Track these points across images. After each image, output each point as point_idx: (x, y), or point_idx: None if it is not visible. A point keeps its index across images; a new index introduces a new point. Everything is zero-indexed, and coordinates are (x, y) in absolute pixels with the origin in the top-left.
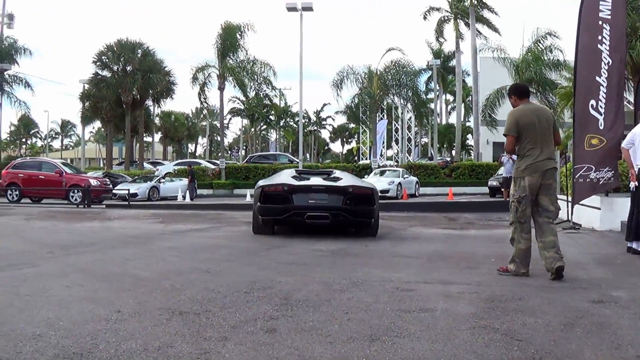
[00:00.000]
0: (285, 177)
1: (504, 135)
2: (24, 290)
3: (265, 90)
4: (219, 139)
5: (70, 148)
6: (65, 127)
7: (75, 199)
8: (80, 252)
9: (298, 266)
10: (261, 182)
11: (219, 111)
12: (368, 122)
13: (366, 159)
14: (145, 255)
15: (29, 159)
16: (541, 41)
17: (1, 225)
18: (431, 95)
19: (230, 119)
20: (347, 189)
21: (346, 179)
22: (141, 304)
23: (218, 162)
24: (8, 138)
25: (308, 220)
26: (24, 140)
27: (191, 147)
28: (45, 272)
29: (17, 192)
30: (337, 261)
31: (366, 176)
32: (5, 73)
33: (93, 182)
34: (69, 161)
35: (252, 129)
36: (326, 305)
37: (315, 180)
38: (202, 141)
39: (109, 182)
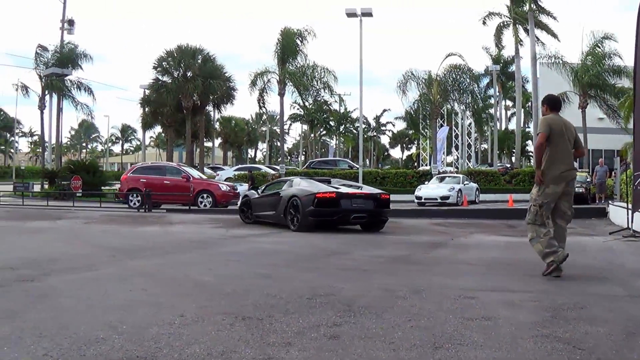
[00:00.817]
0: (319, 185)
1: (537, 134)
2: (86, 293)
3: (324, 96)
4: (278, 144)
5: (130, 152)
6: (126, 131)
7: (205, 205)
8: (142, 257)
9: (359, 272)
10: (251, 192)
11: (278, 116)
12: (428, 128)
13: (426, 165)
14: (206, 260)
15: (150, 163)
16: (599, 45)
17: (62, 228)
18: (490, 101)
19: (290, 124)
20: (377, 196)
21: (365, 188)
22: (204, 308)
23: (278, 167)
24: (69, 142)
25: (353, 220)
26: (84, 144)
27: (251, 152)
28: (107, 275)
29: (139, 198)
30: (397, 268)
31: (426, 182)
32: (66, 78)
33: (223, 187)
34: (129, 167)
35: (312, 135)
36: (389, 312)
37: (351, 189)
38: (262, 146)
39: (237, 188)
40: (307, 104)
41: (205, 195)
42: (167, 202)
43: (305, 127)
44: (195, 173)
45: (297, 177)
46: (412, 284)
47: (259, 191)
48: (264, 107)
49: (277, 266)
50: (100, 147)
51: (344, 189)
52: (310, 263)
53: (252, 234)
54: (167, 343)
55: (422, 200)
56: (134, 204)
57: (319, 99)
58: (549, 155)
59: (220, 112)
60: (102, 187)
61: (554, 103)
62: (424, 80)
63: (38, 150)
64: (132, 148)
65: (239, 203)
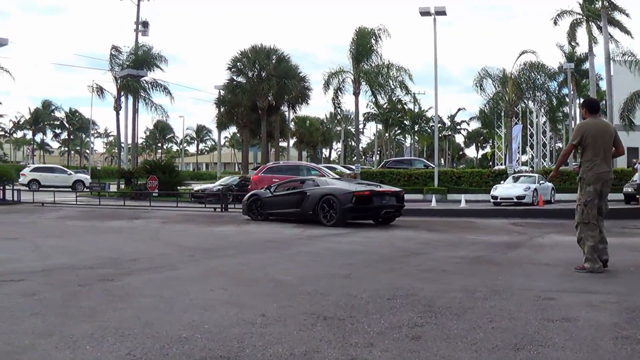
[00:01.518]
0: (354, 184)
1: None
2: (167, 293)
3: (399, 95)
4: (353, 143)
5: (205, 152)
6: (201, 132)
7: None
8: (220, 256)
9: (437, 273)
10: (260, 192)
11: (353, 116)
12: (502, 127)
13: (501, 164)
14: (284, 260)
15: (282, 163)
16: None
17: (139, 228)
18: (565, 99)
19: (365, 124)
20: (399, 193)
21: (384, 186)
22: (285, 308)
23: (353, 167)
24: (144, 142)
25: (383, 215)
26: (159, 144)
27: (325, 152)
28: (187, 275)
29: None
30: (476, 268)
31: (502, 182)
32: (142, 80)
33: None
34: (204, 167)
35: (386, 134)
36: (469, 313)
37: (376, 187)
38: (336, 146)
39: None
40: (381, 103)
41: None
42: None
43: (379, 126)
44: (329, 172)
45: (315, 177)
46: (492, 285)
47: (272, 190)
48: (339, 106)
49: (355, 266)
50: (175, 148)
51: (374, 188)
52: (389, 264)
53: (328, 234)
54: (250, 343)
55: (498, 200)
56: None
57: (394, 98)
58: (588, 157)
59: (295, 112)
60: (178, 187)
61: (591, 106)
62: (498, 79)
63: (113, 150)
64: (206, 148)
65: (245, 200)
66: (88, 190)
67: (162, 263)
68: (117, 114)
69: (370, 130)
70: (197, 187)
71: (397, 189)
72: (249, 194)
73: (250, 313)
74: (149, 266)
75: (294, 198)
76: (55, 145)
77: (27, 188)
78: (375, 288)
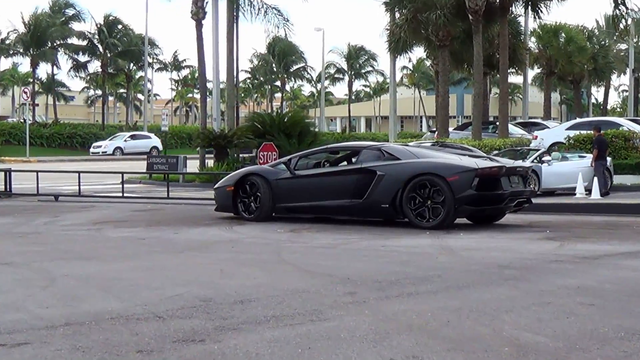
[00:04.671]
0: (469, 157)
1: None
2: None
3: None
4: None
5: (365, 97)
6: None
7: None
8: (405, 295)
9: None
10: (262, 168)
11: None
12: None
13: None
14: (530, 302)
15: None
16: None
17: (247, 241)
18: None
19: None
20: (527, 171)
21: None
22: None
23: None
24: (249, 81)
25: (515, 207)
26: (278, 83)
27: (596, 93)
28: (346, 330)
29: None
30: None
31: None
32: None
33: None
34: (362, 124)
35: None
36: None
37: (503, 160)
38: (618, 81)
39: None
40: None
41: None
42: None
43: None
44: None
45: (382, 145)
46: None
47: (291, 166)
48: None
49: None
50: (308, 89)
51: (500, 162)
52: None
53: (610, 254)
54: None
55: None
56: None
57: None
58: None
59: (539, 17)
60: None
61: None
62: None
63: (189, 96)
64: (366, 89)
65: (227, 183)
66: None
67: (296, 307)
68: (199, 26)
69: None
70: None
71: (526, 164)
72: (238, 173)
73: None
74: (271, 314)
75: (344, 181)
76: (76, 84)
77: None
78: None
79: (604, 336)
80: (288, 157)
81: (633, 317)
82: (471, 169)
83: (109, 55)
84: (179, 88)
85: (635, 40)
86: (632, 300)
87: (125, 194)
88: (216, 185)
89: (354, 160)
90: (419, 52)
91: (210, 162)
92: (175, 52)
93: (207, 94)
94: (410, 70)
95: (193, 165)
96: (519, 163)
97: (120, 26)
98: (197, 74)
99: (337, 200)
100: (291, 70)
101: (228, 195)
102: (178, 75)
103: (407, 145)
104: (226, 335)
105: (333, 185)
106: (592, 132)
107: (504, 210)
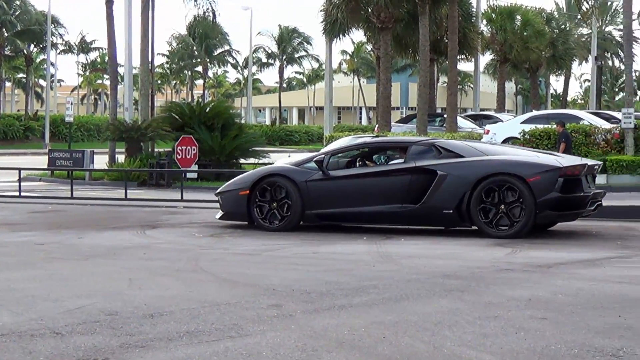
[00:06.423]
0: (550, 155)
1: None
2: None
3: None
4: (618, 64)
5: (297, 86)
6: (288, 42)
7: None
8: (337, 307)
9: None
10: (286, 168)
11: None
12: None
13: None
14: (475, 316)
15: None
16: None
17: (161, 248)
18: None
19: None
20: (595, 169)
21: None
22: None
23: (619, 114)
24: (167, 66)
25: (593, 212)
26: (199, 69)
27: (554, 83)
28: (269, 347)
29: None
30: None
31: None
32: None
33: None
34: (294, 116)
35: None
36: None
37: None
38: (580, 70)
39: None
40: None
41: None
42: None
43: None
44: None
45: (437, 140)
46: None
47: (324, 165)
48: None
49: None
50: (234, 76)
51: (580, 160)
52: None
53: (565, 262)
54: None
55: None
56: None
57: None
58: None
59: None
60: (242, 161)
61: None
62: None
63: (98, 82)
64: (300, 76)
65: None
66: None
67: (214, 322)
68: (109, 3)
69: None
70: (281, 160)
71: (595, 162)
72: (254, 174)
73: None
74: (185, 329)
75: (393, 182)
76: None
77: None
78: None
79: (556, 353)
80: (317, 155)
81: (588, 331)
82: (554, 167)
83: (5, 34)
84: (87, 73)
85: (598, 24)
86: (588, 314)
87: (22, 193)
88: (221, 190)
89: (399, 158)
90: (359, 35)
91: (121, 158)
92: (83, 32)
93: (119, 80)
94: (349, 55)
95: (102, 161)
96: (595, 161)
97: (18, 1)
98: (107, 58)
99: (385, 205)
100: (214, 54)
101: (240, 201)
102: (86, 59)
103: (466, 140)
104: (133, 353)
105: (379, 188)
106: (549, 126)
107: (583, 215)
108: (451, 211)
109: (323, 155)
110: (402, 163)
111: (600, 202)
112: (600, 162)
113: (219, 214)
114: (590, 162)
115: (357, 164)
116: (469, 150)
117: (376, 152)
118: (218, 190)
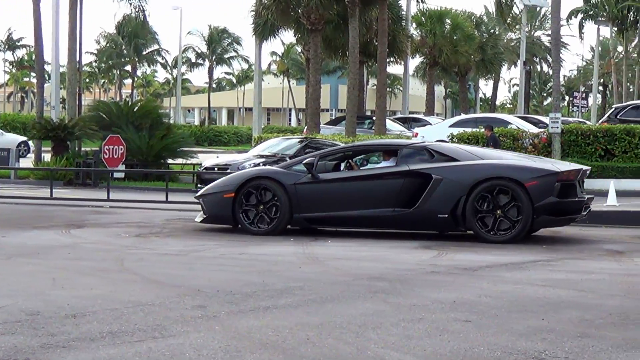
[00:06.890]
0: (544, 159)
1: None
2: None
3: None
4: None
5: (227, 86)
6: (218, 42)
7: None
8: (261, 309)
9: None
10: (273, 170)
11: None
12: None
13: None
14: (400, 318)
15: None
16: None
17: (86, 248)
18: None
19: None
20: (585, 173)
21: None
22: None
23: (544, 119)
24: (96, 65)
25: (584, 217)
26: (128, 68)
27: (484, 87)
28: (192, 348)
29: None
30: None
31: None
32: None
33: None
34: (224, 116)
35: (621, 47)
36: None
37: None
38: (509, 75)
39: None
40: None
41: None
42: None
43: (605, 31)
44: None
45: (429, 144)
46: None
47: (313, 168)
48: None
49: (564, 338)
50: (163, 76)
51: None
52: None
53: (489, 265)
54: None
55: None
56: None
57: None
58: None
59: (422, 1)
60: (170, 161)
61: None
62: None
63: (25, 80)
64: (229, 77)
65: (223, 188)
66: None
67: (137, 323)
68: (37, 2)
69: (586, 42)
70: (209, 160)
71: (586, 167)
72: (239, 176)
73: None
74: (108, 330)
75: (386, 186)
76: None
77: None
78: None
79: (479, 355)
80: (306, 157)
81: (511, 334)
82: (553, 172)
83: None
84: (14, 71)
85: (527, 29)
86: (512, 316)
87: None
88: (202, 192)
89: (390, 161)
90: (289, 37)
91: (47, 156)
92: (10, 29)
93: (46, 78)
94: (279, 56)
95: (27, 160)
96: (586, 167)
97: None
98: (34, 55)
99: (377, 209)
100: (144, 53)
101: (225, 204)
102: (13, 56)
103: (455, 145)
104: (54, 353)
105: (371, 191)
106: (477, 130)
107: (576, 220)
108: (446, 215)
109: (313, 158)
110: (394, 166)
111: (590, 207)
112: (589, 167)
113: (200, 217)
114: (583, 167)
115: (344, 166)
116: (463, 154)
117: (365, 154)
118: (199, 193)
